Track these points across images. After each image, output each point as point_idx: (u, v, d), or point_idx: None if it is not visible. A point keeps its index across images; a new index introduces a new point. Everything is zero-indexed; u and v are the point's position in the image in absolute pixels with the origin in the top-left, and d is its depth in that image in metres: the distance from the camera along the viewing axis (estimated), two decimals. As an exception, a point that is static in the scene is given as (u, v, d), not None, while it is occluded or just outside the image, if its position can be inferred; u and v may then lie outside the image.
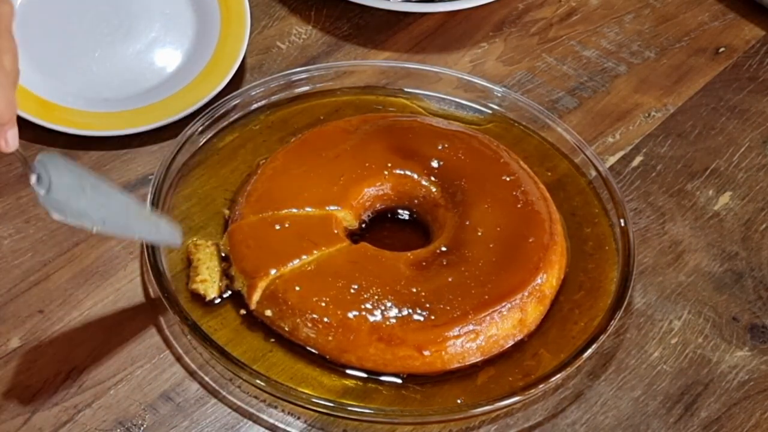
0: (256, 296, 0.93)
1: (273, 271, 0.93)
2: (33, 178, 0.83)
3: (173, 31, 1.12)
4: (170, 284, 0.93)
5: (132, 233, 0.92)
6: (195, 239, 0.97)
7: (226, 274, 0.95)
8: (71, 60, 1.10)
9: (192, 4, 1.13)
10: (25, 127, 1.04)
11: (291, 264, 0.93)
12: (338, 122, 1.06)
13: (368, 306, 0.91)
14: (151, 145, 1.07)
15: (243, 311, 0.94)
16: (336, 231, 0.97)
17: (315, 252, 0.94)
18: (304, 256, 0.94)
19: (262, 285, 0.92)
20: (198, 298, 0.94)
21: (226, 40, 1.11)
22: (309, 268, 0.94)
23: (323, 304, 0.90)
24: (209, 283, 0.94)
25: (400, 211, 1.02)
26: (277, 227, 0.96)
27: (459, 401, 0.89)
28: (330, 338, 0.90)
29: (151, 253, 0.94)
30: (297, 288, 0.92)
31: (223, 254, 0.96)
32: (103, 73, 1.10)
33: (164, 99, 1.08)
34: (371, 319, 0.90)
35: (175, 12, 1.13)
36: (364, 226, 1.01)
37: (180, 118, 1.06)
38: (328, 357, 0.91)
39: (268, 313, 0.92)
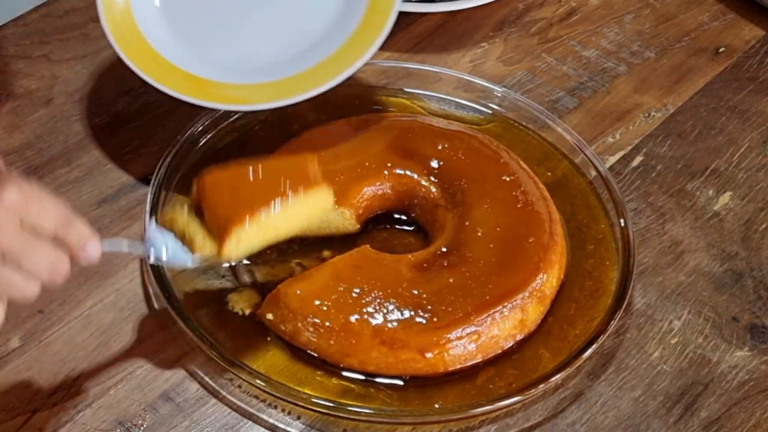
0: (229, 244, 0.86)
1: (248, 219, 0.86)
2: (153, 257, 0.85)
3: None
4: (170, 284, 0.93)
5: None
6: (169, 213, 0.89)
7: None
8: (216, 31, 1.06)
9: None
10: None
11: (266, 211, 0.87)
12: (338, 122, 1.06)
13: (370, 309, 0.90)
14: (151, 145, 1.07)
15: (242, 312, 0.94)
16: (312, 175, 0.90)
17: (292, 194, 0.87)
18: (279, 200, 0.87)
19: (237, 232, 0.86)
20: (198, 299, 0.94)
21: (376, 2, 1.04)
22: (310, 271, 0.94)
23: (325, 308, 0.90)
24: (210, 240, 0.87)
25: (399, 215, 1.03)
26: (251, 176, 0.90)
27: (437, 404, 0.89)
28: (332, 342, 0.90)
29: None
30: (298, 292, 0.91)
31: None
32: (250, 42, 1.05)
33: (314, 66, 1.02)
34: (373, 322, 0.90)
35: None
36: (364, 229, 1.01)
37: (330, 87, 1.00)
38: (329, 361, 0.91)
39: (270, 316, 0.92)
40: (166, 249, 0.85)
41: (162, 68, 1.02)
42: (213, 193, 0.87)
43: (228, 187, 0.88)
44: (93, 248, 0.77)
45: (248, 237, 0.86)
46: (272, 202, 0.86)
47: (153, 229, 0.86)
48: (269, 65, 1.03)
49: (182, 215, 0.87)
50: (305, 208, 0.88)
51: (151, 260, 0.87)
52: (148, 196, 0.98)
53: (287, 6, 1.06)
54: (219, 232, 0.86)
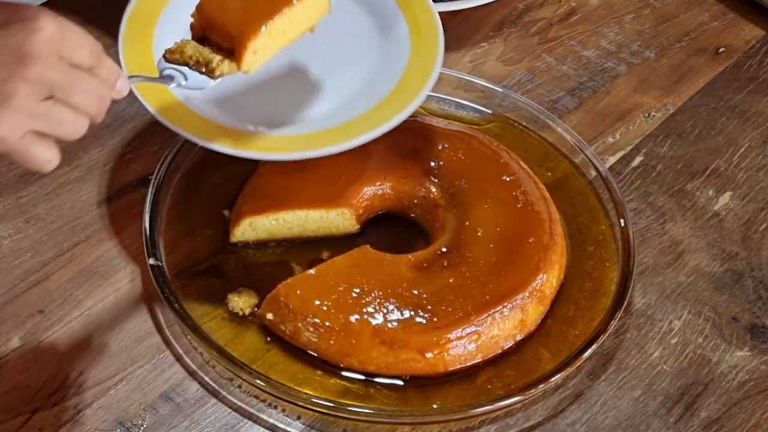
0: (247, 56, 0.88)
1: (262, 28, 0.89)
2: (173, 84, 0.88)
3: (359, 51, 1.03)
4: (170, 284, 0.93)
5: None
6: (175, 47, 0.89)
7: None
8: (250, 86, 1.01)
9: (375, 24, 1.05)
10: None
11: (276, 17, 0.89)
12: (338, 122, 1.06)
13: (370, 309, 0.90)
14: (151, 145, 1.07)
15: (242, 312, 0.94)
16: None
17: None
18: (284, 6, 0.90)
19: (253, 42, 0.88)
20: (198, 299, 0.94)
21: (417, 58, 1.02)
22: (311, 271, 0.94)
23: (325, 308, 0.90)
24: (226, 59, 0.89)
25: (399, 214, 1.03)
26: None
27: (437, 404, 0.89)
28: (332, 342, 0.90)
29: (151, 252, 0.94)
30: (298, 292, 0.91)
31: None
32: (284, 96, 1.01)
33: (348, 121, 0.98)
34: (373, 322, 0.90)
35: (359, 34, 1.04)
36: (364, 229, 1.01)
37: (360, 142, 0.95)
38: (329, 361, 0.91)
39: (270, 316, 0.92)
40: (183, 75, 0.88)
41: (194, 120, 0.97)
42: (218, 13, 0.90)
43: (231, 4, 0.90)
44: (123, 84, 0.78)
45: (263, 45, 0.89)
46: (278, 9, 0.90)
47: (164, 63, 0.88)
48: (301, 119, 1.00)
49: (190, 44, 0.89)
50: (308, 11, 0.92)
51: (172, 85, 0.88)
52: (148, 196, 0.98)
53: (321, 71, 1.03)
54: (235, 47, 0.88)
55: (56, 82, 0.73)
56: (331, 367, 0.91)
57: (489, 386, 0.90)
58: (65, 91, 0.74)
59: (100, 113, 0.77)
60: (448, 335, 0.90)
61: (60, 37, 0.74)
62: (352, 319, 0.90)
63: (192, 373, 0.91)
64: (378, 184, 1.01)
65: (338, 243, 0.99)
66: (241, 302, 0.94)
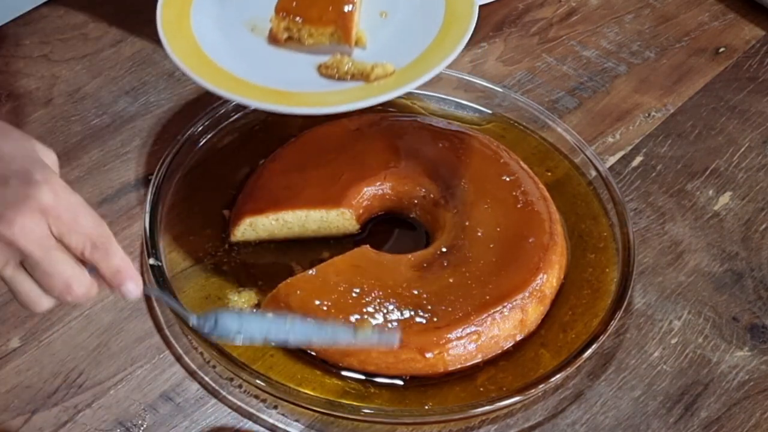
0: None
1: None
2: (193, 321, 0.82)
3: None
4: (170, 284, 0.93)
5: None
6: (329, 61, 0.94)
7: None
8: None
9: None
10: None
11: None
12: (338, 122, 1.06)
13: (370, 309, 0.90)
14: (151, 145, 1.07)
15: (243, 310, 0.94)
16: None
17: None
18: None
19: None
20: (198, 299, 0.94)
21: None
22: (310, 271, 0.94)
23: (325, 308, 0.90)
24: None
25: (399, 215, 1.02)
26: None
27: (436, 404, 0.89)
28: (332, 342, 0.90)
29: (151, 252, 0.94)
30: (298, 292, 0.91)
31: None
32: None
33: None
34: (373, 322, 0.90)
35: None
36: (364, 229, 1.01)
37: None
38: (329, 361, 0.91)
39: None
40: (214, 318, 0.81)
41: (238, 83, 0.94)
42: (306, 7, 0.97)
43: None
44: (132, 287, 0.75)
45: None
46: None
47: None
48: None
49: (345, 58, 0.94)
50: None
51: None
52: (148, 196, 0.98)
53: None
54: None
55: (29, 254, 0.72)
56: (330, 367, 0.91)
57: (489, 386, 0.90)
58: (34, 265, 0.72)
59: (65, 300, 0.74)
60: (448, 335, 0.90)
61: (55, 213, 0.72)
62: (352, 319, 0.90)
63: (192, 373, 0.91)
64: (378, 184, 1.01)
65: (338, 243, 0.99)
66: (241, 302, 0.94)
